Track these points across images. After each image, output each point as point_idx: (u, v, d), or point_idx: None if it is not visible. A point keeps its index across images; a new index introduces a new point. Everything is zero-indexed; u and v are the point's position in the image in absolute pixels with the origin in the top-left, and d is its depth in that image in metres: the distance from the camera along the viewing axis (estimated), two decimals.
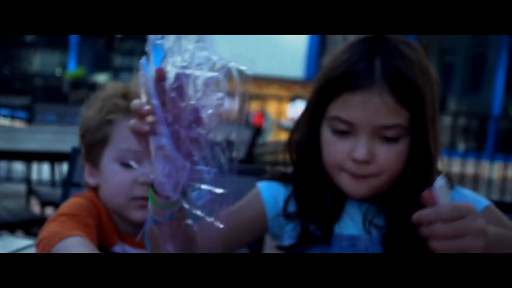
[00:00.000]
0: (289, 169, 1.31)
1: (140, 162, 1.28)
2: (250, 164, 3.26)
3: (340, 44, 1.23)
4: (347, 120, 1.14)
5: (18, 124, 5.67)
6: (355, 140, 1.15)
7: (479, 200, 1.24)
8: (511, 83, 9.77)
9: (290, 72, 8.81)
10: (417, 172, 1.19)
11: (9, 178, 5.56)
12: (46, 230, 1.27)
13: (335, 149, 1.17)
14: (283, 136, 7.82)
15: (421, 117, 1.15)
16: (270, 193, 1.29)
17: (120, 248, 1.39)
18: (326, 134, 1.19)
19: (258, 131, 3.36)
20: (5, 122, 5.86)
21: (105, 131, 1.36)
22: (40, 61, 10.82)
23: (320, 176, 1.23)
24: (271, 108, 7.99)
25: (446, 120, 8.04)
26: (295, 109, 8.21)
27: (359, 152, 1.14)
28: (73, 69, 9.81)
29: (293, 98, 8.29)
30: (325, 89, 1.18)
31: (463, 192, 1.28)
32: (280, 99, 7.99)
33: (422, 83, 1.15)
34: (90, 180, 1.42)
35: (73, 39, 10.22)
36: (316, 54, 9.46)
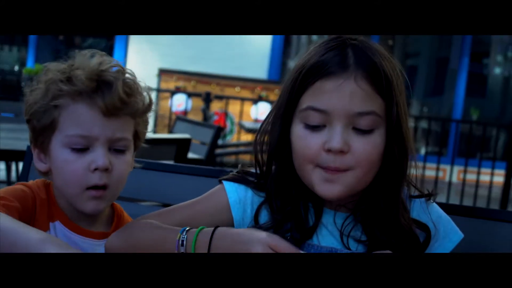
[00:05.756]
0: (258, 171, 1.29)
1: (91, 146, 1.30)
2: (211, 164, 3.26)
3: (309, 45, 1.25)
4: (321, 108, 1.13)
5: None
6: (330, 131, 1.14)
7: (455, 229, 1.30)
8: (472, 87, 9.95)
9: (253, 73, 8.84)
10: (392, 171, 1.19)
11: None
12: None
13: (309, 143, 1.15)
14: (245, 137, 7.83)
15: (396, 106, 1.16)
16: (237, 196, 1.27)
17: (53, 229, 1.36)
18: (298, 130, 1.17)
19: (219, 131, 3.37)
20: None
21: (51, 116, 1.32)
22: None
23: (293, 180, 1.22)
24: (234, 109, 7.99)
25: (409, 123, 8.13)
26: (259, 110, 8.24)
27: (334, 141, 1.12)
28: (31, 66, 9.68)
29: (256, 100, 8.31)
30: (297, 81, 1.16)
31: (440, 213, 1.31)
32: (242, 100, 8.01)
33: (394, 76, 1.17)
34: (39, 166, 1.38)
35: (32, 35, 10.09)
36: (279, 55, 9.50)
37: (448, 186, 6.79)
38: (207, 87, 8.29)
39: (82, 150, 1.31)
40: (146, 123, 1.43)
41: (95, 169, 1.30)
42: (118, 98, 1.30)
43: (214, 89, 8.20)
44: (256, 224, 1.24)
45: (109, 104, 1.29)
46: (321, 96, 1.13)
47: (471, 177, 6.99)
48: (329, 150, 1.13)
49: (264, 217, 1.24)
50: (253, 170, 1.30)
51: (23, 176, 1.73)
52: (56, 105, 1.31)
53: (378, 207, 1.21)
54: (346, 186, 1.17)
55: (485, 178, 7.01)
